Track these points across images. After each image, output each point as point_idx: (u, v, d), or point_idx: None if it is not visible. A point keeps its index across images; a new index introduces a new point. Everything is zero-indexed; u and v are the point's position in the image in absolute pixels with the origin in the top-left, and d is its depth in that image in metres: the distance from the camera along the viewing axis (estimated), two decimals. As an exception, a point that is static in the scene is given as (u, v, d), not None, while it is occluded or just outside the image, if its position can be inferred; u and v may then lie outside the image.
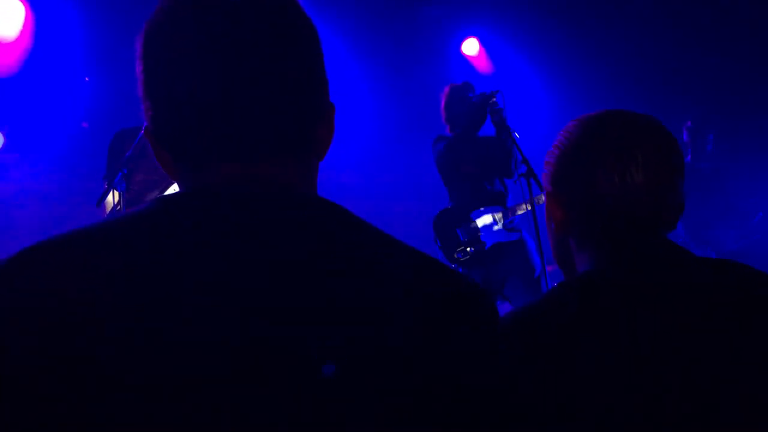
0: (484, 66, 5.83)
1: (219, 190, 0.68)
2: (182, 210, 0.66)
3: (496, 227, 3.72)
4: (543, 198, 3.19)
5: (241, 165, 0.69)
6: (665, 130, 1.01)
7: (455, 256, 3.68)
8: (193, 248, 0.62)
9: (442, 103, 3.89)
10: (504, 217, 3.73)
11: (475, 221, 3.72)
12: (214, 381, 0.57)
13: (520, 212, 3.71)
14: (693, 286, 0.93)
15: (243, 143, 0.69)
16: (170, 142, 0.71)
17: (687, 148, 4.70)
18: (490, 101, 3.46)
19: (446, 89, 3.90)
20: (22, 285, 0.59)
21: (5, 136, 4.42)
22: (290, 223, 0.67)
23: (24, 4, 4.35)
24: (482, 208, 3.74)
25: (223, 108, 0.67)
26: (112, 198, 3.05)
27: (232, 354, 0.58)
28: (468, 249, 3.56)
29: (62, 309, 0.58)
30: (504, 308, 3.50)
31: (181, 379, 0.57)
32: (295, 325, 0.60)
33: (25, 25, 4.35)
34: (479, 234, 3.68)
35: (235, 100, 0.67)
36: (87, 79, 4.42)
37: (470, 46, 5.75)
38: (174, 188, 2.72)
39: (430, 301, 0.67)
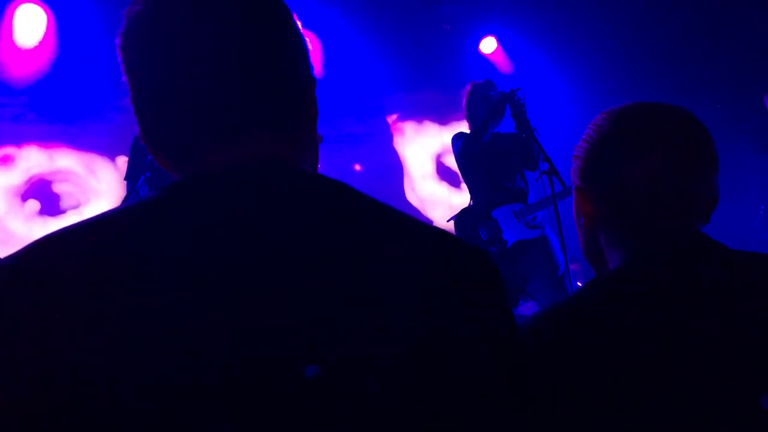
0: (502, 64, 5.79)
1: (212, 178, 0.66)
2: (170, 205, 0.64)
3: (517, 225, 3.68)
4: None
5: (231, 148, 0.67)
6: (697, 121, 0.98)
7: None
8: (184, 243, 0.60)
9: (464, 101, 3.87)
10: (525, 213, 3.69)
11: (496, 219, 3.69)
12: (219, 386, 0.56)
13: (541, 209, 3.67)
14: (725, 282, 0.91)
15: (228, 126, 0.67)
16: (161, 139, 0.69)
17: None
18: (511, 97, 3.42)
19: (468, 87, 3.87)
20: (14, 292, 0.57)
21: (34, 137, 4.46)
22: (290, 204, 0.65)
23: (45, 10, 4.38)
24: (503, 206, 3.71)
25: (202, 91, 0.66)
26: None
27: (234, 357, 0.57)
28: (491, 248, 3.53)
29: (56, 313, 0.56)
30: (527, 306, 3.47)
31: (183, 383, 0.56)
32: (295, 320, 0.59)
33: (48, 30, 4.38)
34: (501, 232, 3.65)
35: (212, 81, 0.66)
36: None
37: (488, 45, 5.71)
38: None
39: (434, 285, 0.65)
